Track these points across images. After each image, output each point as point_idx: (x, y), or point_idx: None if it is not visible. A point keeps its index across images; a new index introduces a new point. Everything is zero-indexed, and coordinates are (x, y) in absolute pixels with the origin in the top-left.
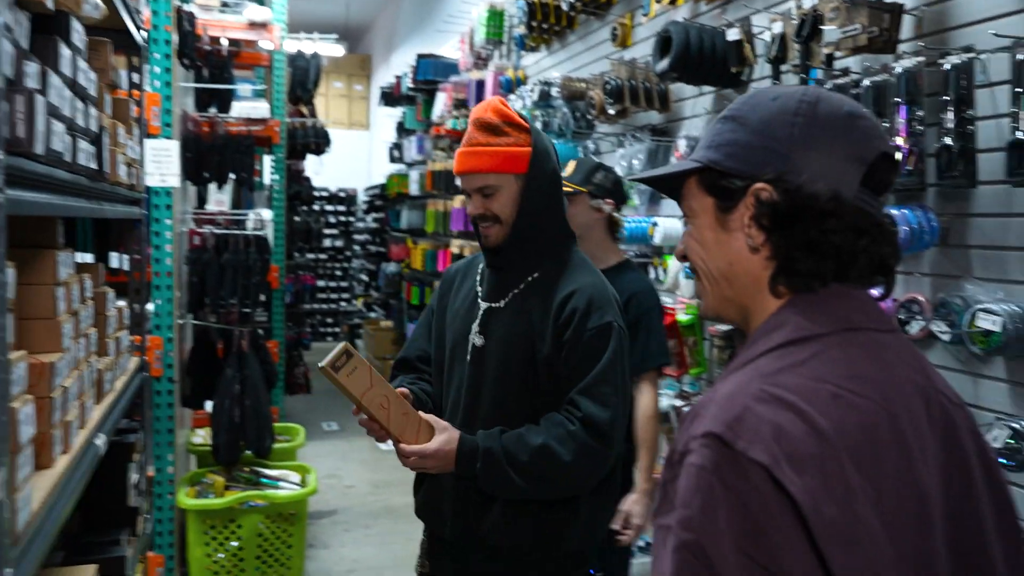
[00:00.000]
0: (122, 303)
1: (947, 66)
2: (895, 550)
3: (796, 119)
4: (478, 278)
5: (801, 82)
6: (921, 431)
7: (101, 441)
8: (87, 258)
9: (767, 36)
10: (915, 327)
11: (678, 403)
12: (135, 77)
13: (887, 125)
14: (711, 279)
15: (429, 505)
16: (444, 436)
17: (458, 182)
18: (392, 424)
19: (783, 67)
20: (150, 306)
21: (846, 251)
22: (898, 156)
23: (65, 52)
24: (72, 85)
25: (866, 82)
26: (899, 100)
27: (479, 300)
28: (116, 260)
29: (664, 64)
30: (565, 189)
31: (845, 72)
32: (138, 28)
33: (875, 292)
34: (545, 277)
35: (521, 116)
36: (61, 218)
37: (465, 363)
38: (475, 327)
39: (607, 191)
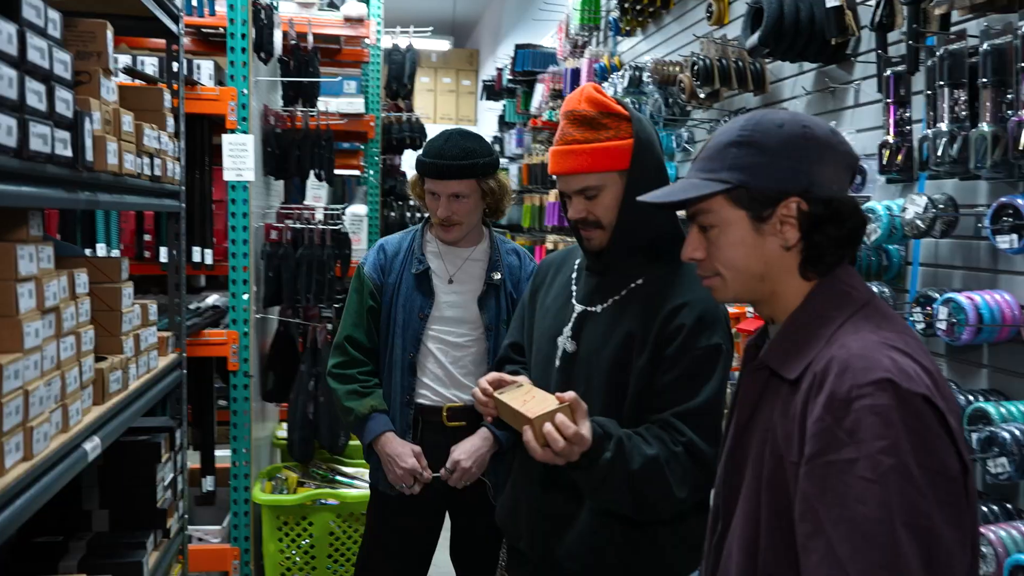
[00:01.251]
0: (151, 300)
1: None
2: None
3: (807, 143)
4: (573, 276)
5: (910, 51)
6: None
7: (93, 445)
8: (114, 253)
9: (871, 0)
10: None
11: None
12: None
13: (1011, 95)
14: (739, 273)
15: (508, 514)
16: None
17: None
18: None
19: (890, 35)
20: (212, 299)
21: (855, 238)
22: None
23: (7, 28)
24: (17, 64)
25: (985, 46)
26: (1023, 66)
27: (573, 301)
28: (198, 255)
29: (754, 39)
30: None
31: (961, 35)
32: (172, 17)
33: None
34: (650, 285)
35: (620, 103)
36: (37, 210)
37: (553, 369)
38: (567, 331)
39: None
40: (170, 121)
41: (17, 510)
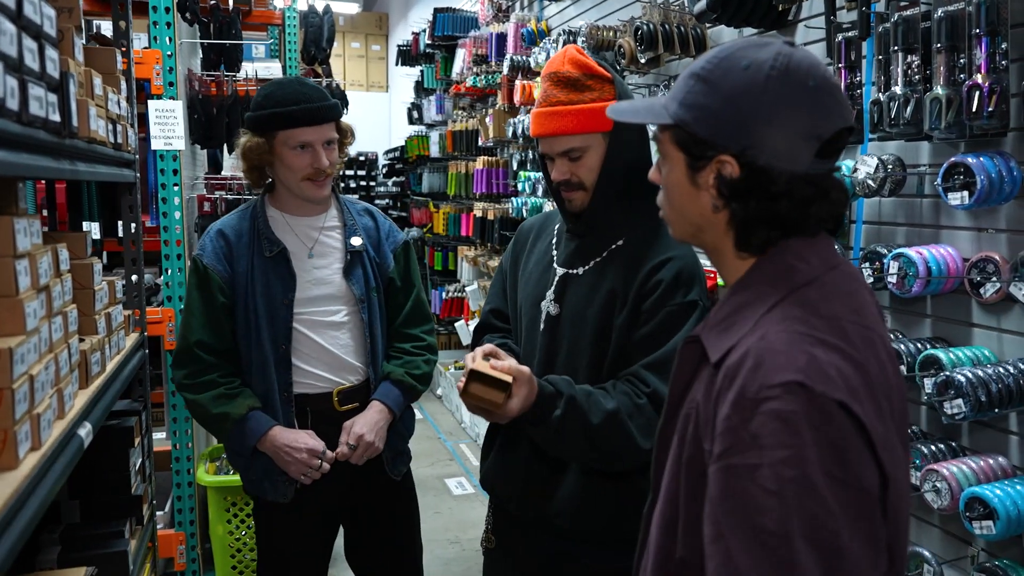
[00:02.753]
0: (115, 276)
1: None
2: (901, 444)
3: (763, 96)
4: (554, 240)
5: (861, 17)
6: (888, 343)
7: (86, 431)
8: (94, 228)
9: None
10: (990, 289)
11: None
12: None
13: (963, 61)
14: (677, 215)
15: (496, 476)
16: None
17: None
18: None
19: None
20: (150, 276)
21: (793, 221)
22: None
23: None
24: (15, 18)
25: (939, 12)
26: (979, 32)
27: (554, 264)
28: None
29: (702, 4)
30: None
31: (914, 2)
32: None
33: None
34: (630, 245)
35: (601, 64)
36: (24, 179)
37: (538, 333)
38: (550, 295)
39: None
40: (123, 85)
41: (34, 507)
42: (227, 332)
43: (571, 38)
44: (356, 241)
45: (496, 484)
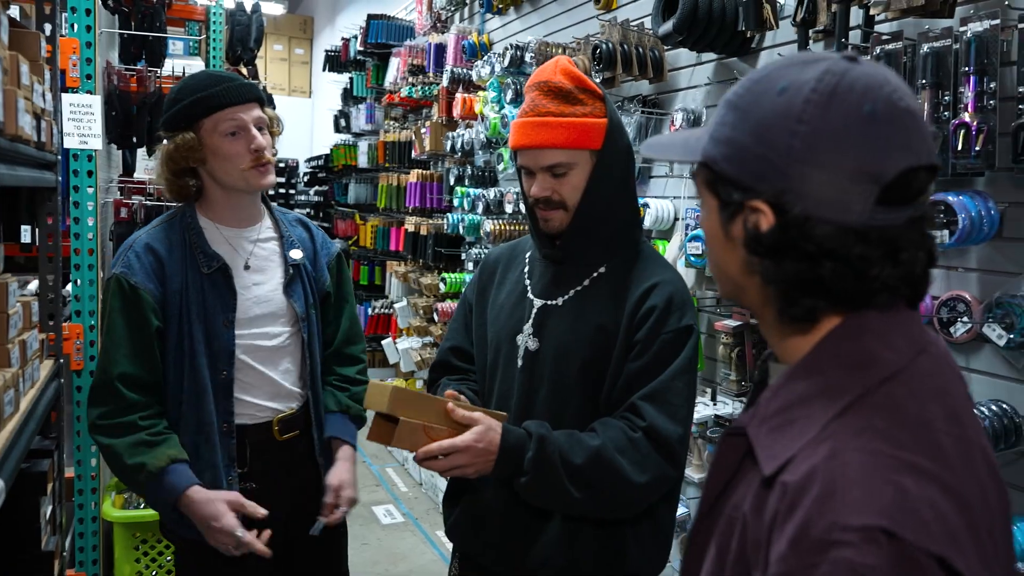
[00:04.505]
0: (29, 294)
1: None
2: None
3: (799, 127)
4: (526, 269)
5: (840, 48)
6: (988, 451)
7: None
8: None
9: None
10: (960, 329)
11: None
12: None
13: (948, 98)
14: (718, 271)
15: (467, 525)
16: (480, 428)
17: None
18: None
19: (811, 31)
20: (68, 289)
21: (845, 289)
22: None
23: None
24: None
25: (925, 48)
26: (968, 70)
27: (529, 295)
28: (27, 234)
29: (668, 26)
30: None
31: (896, 36)
32: None
33: None
34: (614, 272)
35: (593, 81)
36: None
37: (515, 370)
38: (527, 328)
39: None
40: (47, 75)
41: None
42: (157, 362)
43: (518, 52)
44: (296, 254)
45: (467, 534)
